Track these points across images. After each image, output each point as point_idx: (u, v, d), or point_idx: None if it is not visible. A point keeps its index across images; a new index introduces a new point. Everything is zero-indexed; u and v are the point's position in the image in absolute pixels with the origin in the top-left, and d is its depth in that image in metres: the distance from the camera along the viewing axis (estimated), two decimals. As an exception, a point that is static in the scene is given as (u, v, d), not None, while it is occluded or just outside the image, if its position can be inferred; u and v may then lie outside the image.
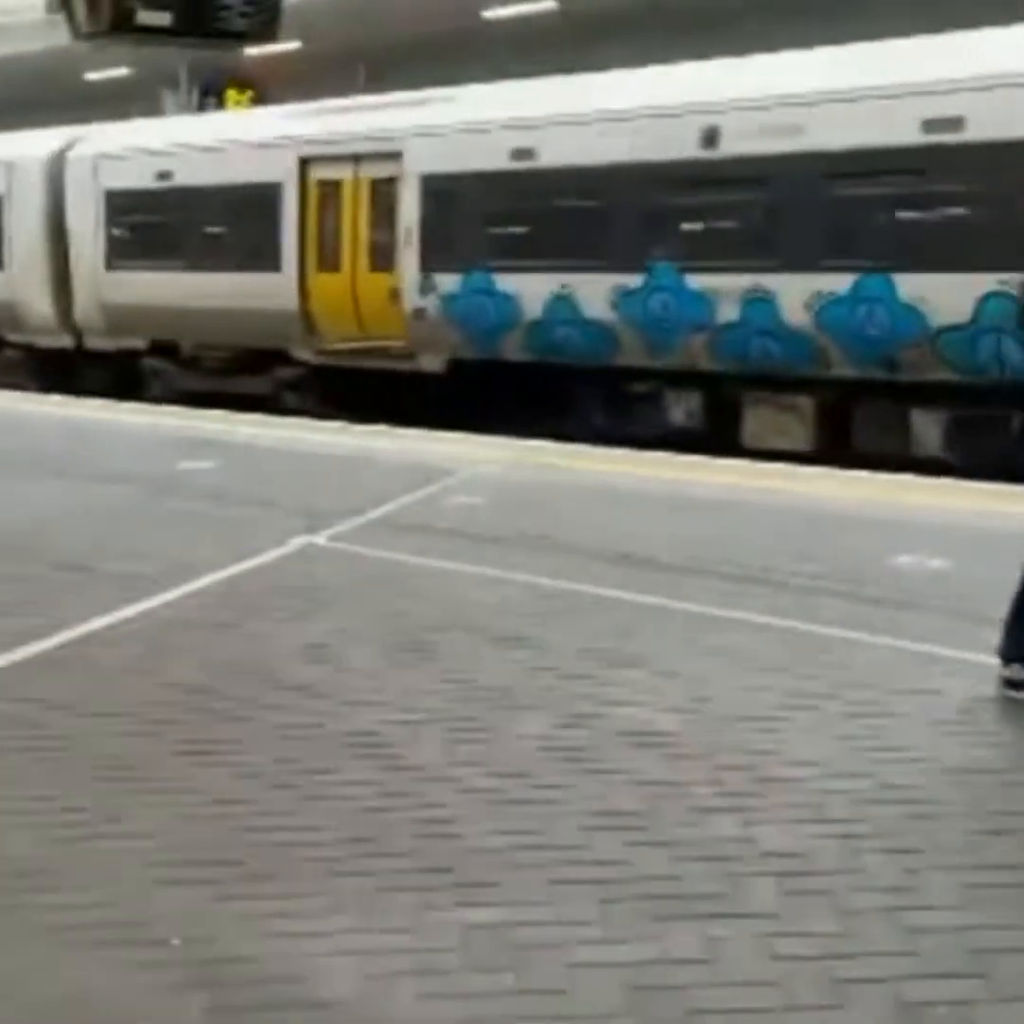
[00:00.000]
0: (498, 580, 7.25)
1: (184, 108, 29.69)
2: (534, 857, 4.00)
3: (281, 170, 17.87)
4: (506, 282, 15.71)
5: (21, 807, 4.44)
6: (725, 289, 14.08)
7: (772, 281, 13.76)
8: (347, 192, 17.38)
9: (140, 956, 3.47)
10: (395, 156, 16.70)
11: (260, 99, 28.65)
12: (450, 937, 3.55)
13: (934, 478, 9.99)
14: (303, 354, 18.14)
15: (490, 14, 23.65)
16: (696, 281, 14.27)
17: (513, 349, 15.88)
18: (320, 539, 8.34)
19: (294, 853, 4.06)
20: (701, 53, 15.70)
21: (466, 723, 5.16)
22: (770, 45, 14.93)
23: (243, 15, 10.04)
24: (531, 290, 15.48)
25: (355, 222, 17.34)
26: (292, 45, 22.52)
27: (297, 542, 8.26)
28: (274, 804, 4.44)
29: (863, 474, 10.07)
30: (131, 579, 7.34)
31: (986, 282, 12.43)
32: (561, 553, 7.83)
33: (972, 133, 12.49)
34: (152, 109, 28.24)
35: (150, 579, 7.32)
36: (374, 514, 9.03)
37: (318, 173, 17.69)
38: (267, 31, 10.44)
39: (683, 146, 14.18)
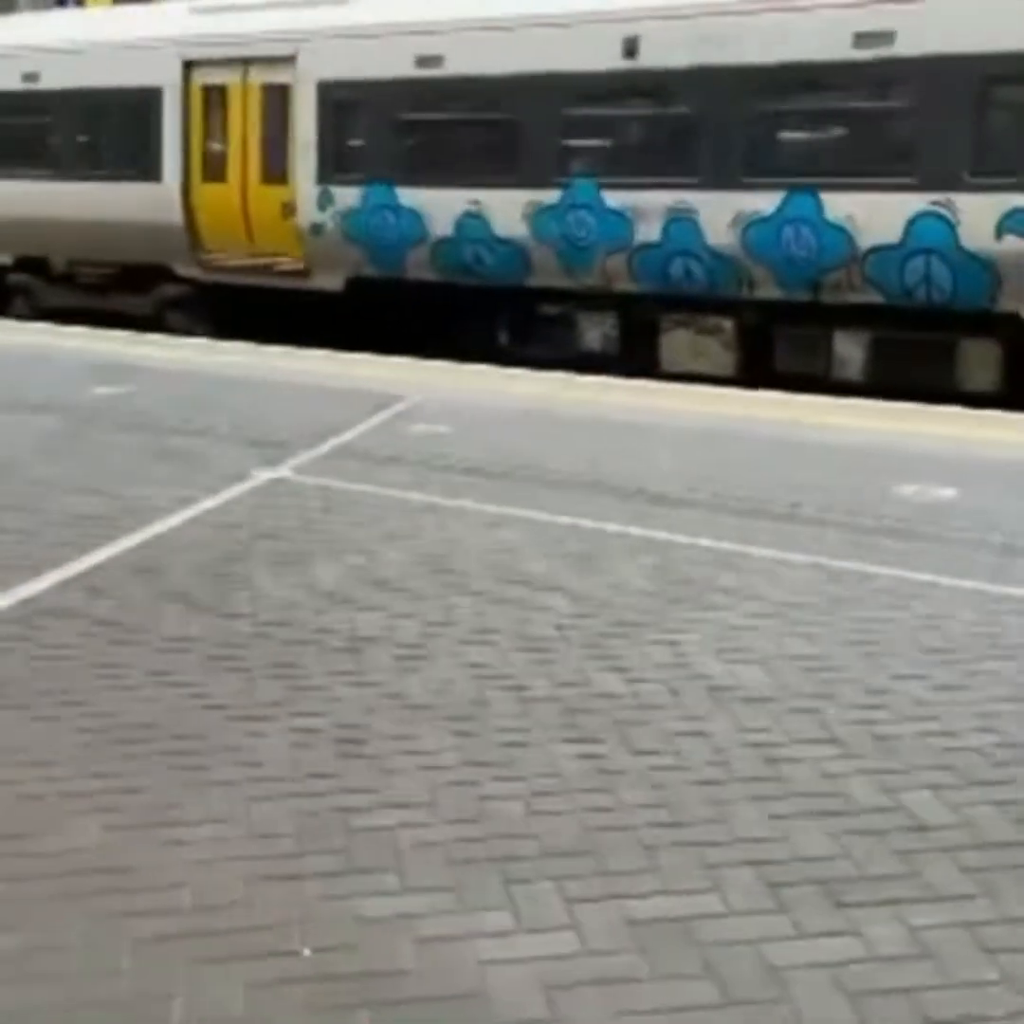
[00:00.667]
0: (502, 518, 6.79)
1: (40, 3, 27.89)
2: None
3: (162, 73, 16.79)
4: (411, 197, 15.03)
5: (82, 788, 3.89)
6: (646, 207, 13.63)
7: (695, 199, 13.35)
8: (235, 98, 16.42)
9: (275, 971, 2.99)
10: (288, 60, 15.80)
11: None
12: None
13: (934, 406, 9.75)
14: (188, 271, 17.20)
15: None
16: (615, 198, 13.80)
17: (418, 267, 15.24)
18: (285, 472, 7.77)
19: (399, 839, 3.60)
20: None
21: (537, 682, 4.71)
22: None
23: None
24: (438, 206, 14.83)
25: (244, 130, 16.41)
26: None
27: (261, 476, 7.68)
28: (353, 777, 3.97)
29: (854, 402, 9.76)
30: (83, 520, 6.67)
31: (917, 202, 12.23)
32: (556, 488, 7.40)
33: (903, 47, 12.21)
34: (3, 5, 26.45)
35: (110, 521, 6.68)
36: (332, 444, 8.47)
37: (203, 77, 16.66)
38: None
39: (603, 56, 13.62)
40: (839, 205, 12.60)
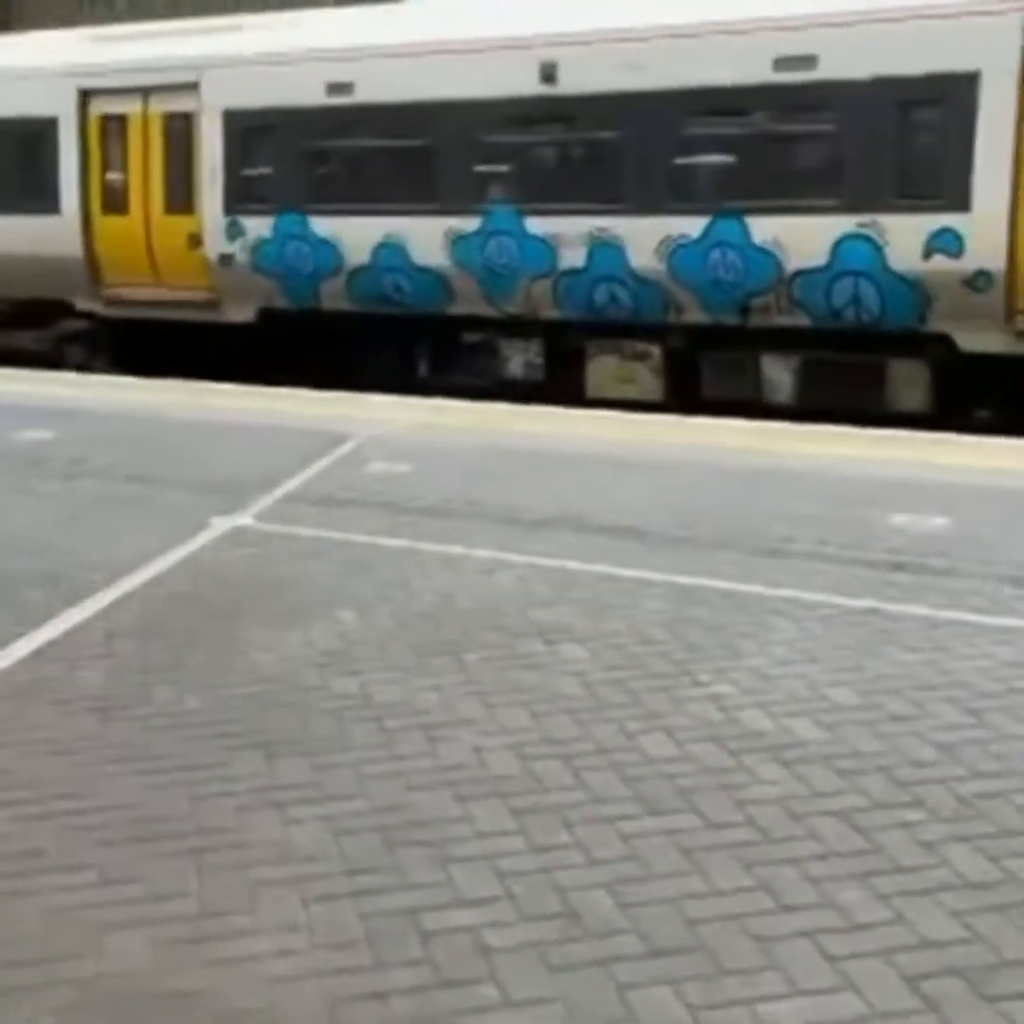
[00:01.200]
0: (490, 563, 6.48)
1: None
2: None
3: (57, 103, 16.21)
4: (325, 226, 14.67)
5: (113, 896, 3.50)
6: (569, 233, 13.44)
7: (619, 224, 13.20)
8: (135, 127, 15.91)
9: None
10: (191, 88, 15.35)
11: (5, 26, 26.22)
12: None
13: (911, 432, 9.61)
14: (88, 305, 16.62)
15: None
16: (537, 225, 13.59)
17: (334, 297, 14.88)
18: (246, 520, 7.37)
19: (484, 942, 3.29)
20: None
21: (584, 747, 4.43)
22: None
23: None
24: (354, 235, 14.49)
25: (146, 160, 15.89)
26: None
27: (220, 525, 7.28)
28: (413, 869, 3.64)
29: (828, 429, 9.59)
30: (47, 581, 6.24)
31: (844, 224, 12.20)
32: (539, 528, 7.10)
33: (825, 71, 12.19)
34: None
35: (72, 580, 6.25)
36: (288, 487, 8.09)
37: (101, 107, 16.12)
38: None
39: (520, 82, 13.42)
40: (765, 228, 12.53)
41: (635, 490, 7.85)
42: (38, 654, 5.40)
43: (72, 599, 6.03)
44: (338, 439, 9.38)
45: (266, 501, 7.76)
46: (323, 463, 8.69)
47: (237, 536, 7.04)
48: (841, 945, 3.29)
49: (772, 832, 3.84)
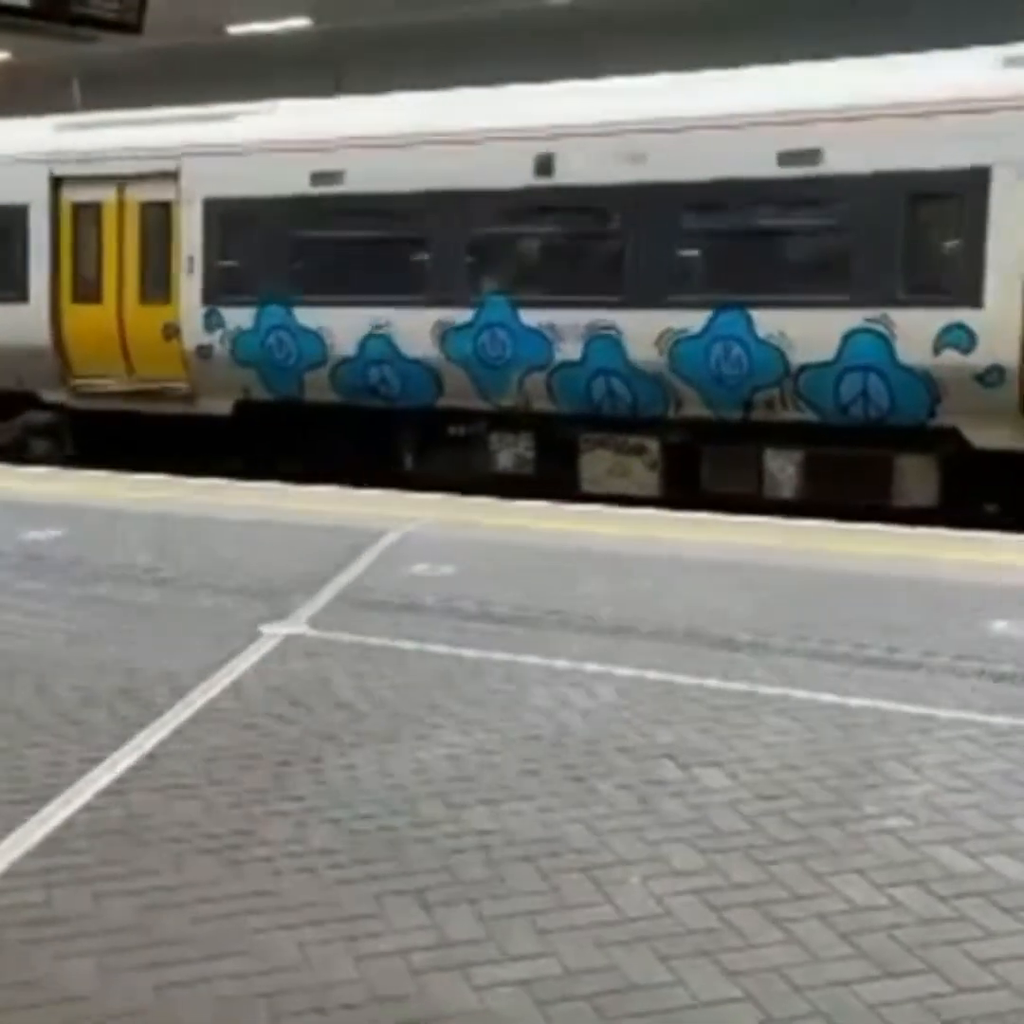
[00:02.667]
0: (579, 675, 6.05)
1: None
2: None
3: (27, 190, 15.77)
4: (310, 317, 14.30)
5: None
6: (565, 326, 13.18)
7: (618, 317, 12.96)
8: (110, 216, 15.49)
9: None
10: (170, 177, 14.98)
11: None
12: None
13: (965, 531, 9.32)
14: (55, 396, 16.07)
15: (237, 30, 21.95)
16: (532, 317, 13.31)
17: (318, 390, 14.48)
18: (300, 627, 6.88)
19: None
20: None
21: (777, 893, 3.98)
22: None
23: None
24: (340, 326, 14.13)
25: (120, 248, 15.46)
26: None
27: (274, 632, 6.77)
28: None
29: (876, 528, 9.27)
30: (106, 699, 5.73)
31: (852, 318, 12.05)
32: (621, 636, 6.71)
33: (830, 165, 12.10)
34: None
35: (131, 698, 5.75)
36: (332, 590, 7.62)
37: (73, 194, 15.70)
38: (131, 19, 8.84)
39: (515, 174, 13.20)
40: (771, 322, 12.34)
41: (717, 594, 7.45)
42: (122, 784, 4.86)
43: (140, 720, 5.50)
44: (370, 538, 8.92)
45: (314, 605, 7.28)
46: (362, 564, 8.22)
47: (297, 645, 6.55)
48: None
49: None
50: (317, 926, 3.83)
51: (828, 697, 5.74)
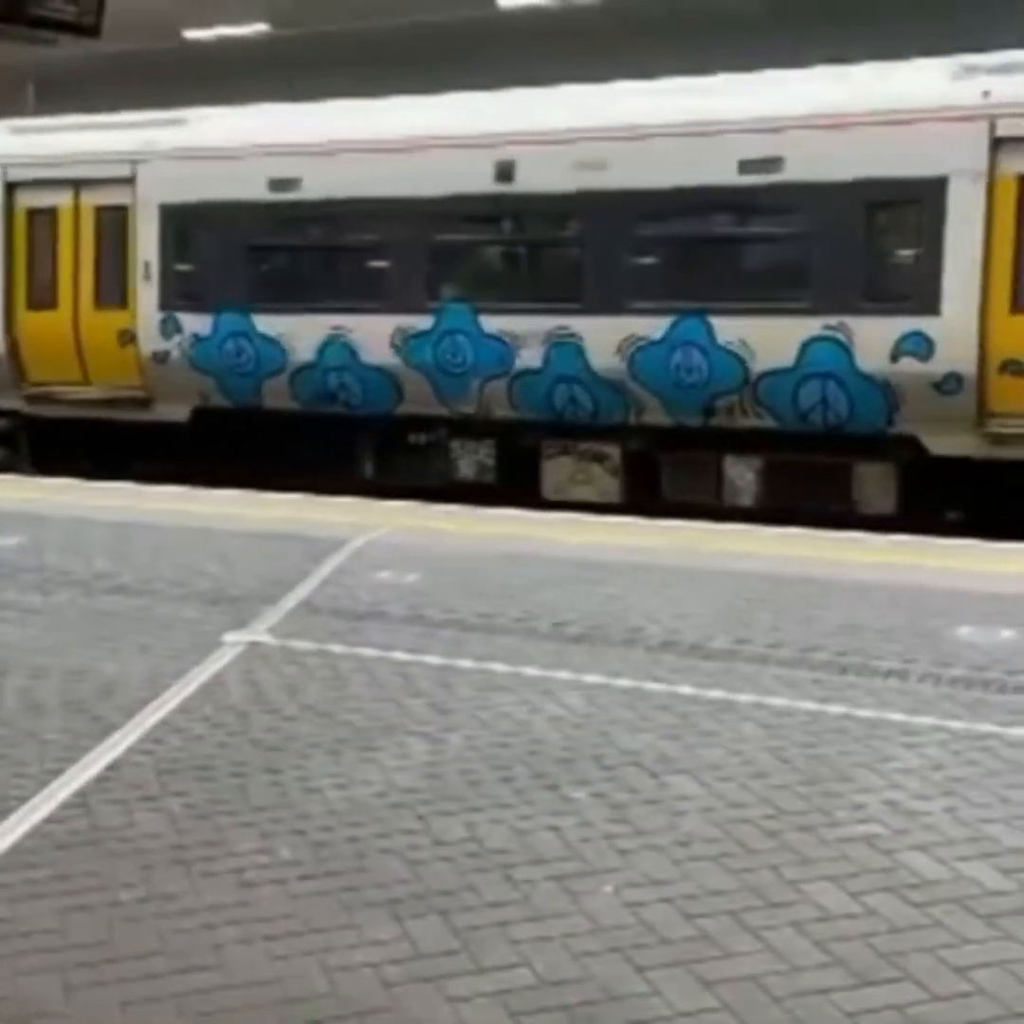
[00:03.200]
0: (549, 683, 6.01)
1: None
2: None
3: (-20, 195, 15.58)
4: (268, 323, 14.19)
5: None
6: (526, 333, 13.15)
7: (579, 324, 12.95)
8: (65, 221, 15.33)
9: None
10: (126, 182, 14.85)
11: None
12: None
13: (930, 538, 9.33)
14: (9, 402, 15.90)
15: (195, 34, 21.80)
16: (493, 323, 13.28)
17: (276, 397, 14.38)
18: (261, 635, 6.81)
19: None
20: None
21: (749, 901, 3.96)
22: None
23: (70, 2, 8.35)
24: (298, 332, 14.04)
25: (76, 254, 15.30)
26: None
27: (236, 640, 6.70)
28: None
29: (846, 534, 9.26)
30: (65, 710, 5.65)
31: (811, 326, 12.09)
32: (588, 643, 6.67)
33: (792, 173, 12.13)
34: None
35: (90, 708, 5.69)
36: (295, 598, 7.55)
37: (28, 200, 15.53)
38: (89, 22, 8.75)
39: (476, 180, 13.17)
40: (730, 329, 12.37)
41: (684, 601, 7.43)
42: (84, 796, 4.78)
43: (103, 730, 5.42)
44: (333, 545, 8.84)
45: (277, 613, 7.21)
46: (325, 571, 8.15)
47: (258, 654, 6.48)
48: None
49: (1011, 1003, 3.40)
50: (287, 939, 3.77)
51: (798, 703, 5.73)
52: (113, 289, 15.18)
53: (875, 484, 12.58)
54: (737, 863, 4.22)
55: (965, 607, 7.21)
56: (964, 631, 6.75)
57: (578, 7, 19.83)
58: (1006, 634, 6.70)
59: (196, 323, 14.58)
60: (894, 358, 11.81)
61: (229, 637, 6.75)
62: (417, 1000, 3.44)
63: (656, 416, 12.99)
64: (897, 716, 5.55)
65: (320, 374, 14.03)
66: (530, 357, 13.14)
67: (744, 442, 12.81)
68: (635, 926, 3.83)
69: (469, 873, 4.17)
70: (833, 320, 12.01)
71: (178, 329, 14.68)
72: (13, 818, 4.52)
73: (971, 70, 11.76)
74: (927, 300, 11.65)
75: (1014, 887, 4.05)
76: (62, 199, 15.38)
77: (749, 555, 8.50)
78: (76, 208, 15.32)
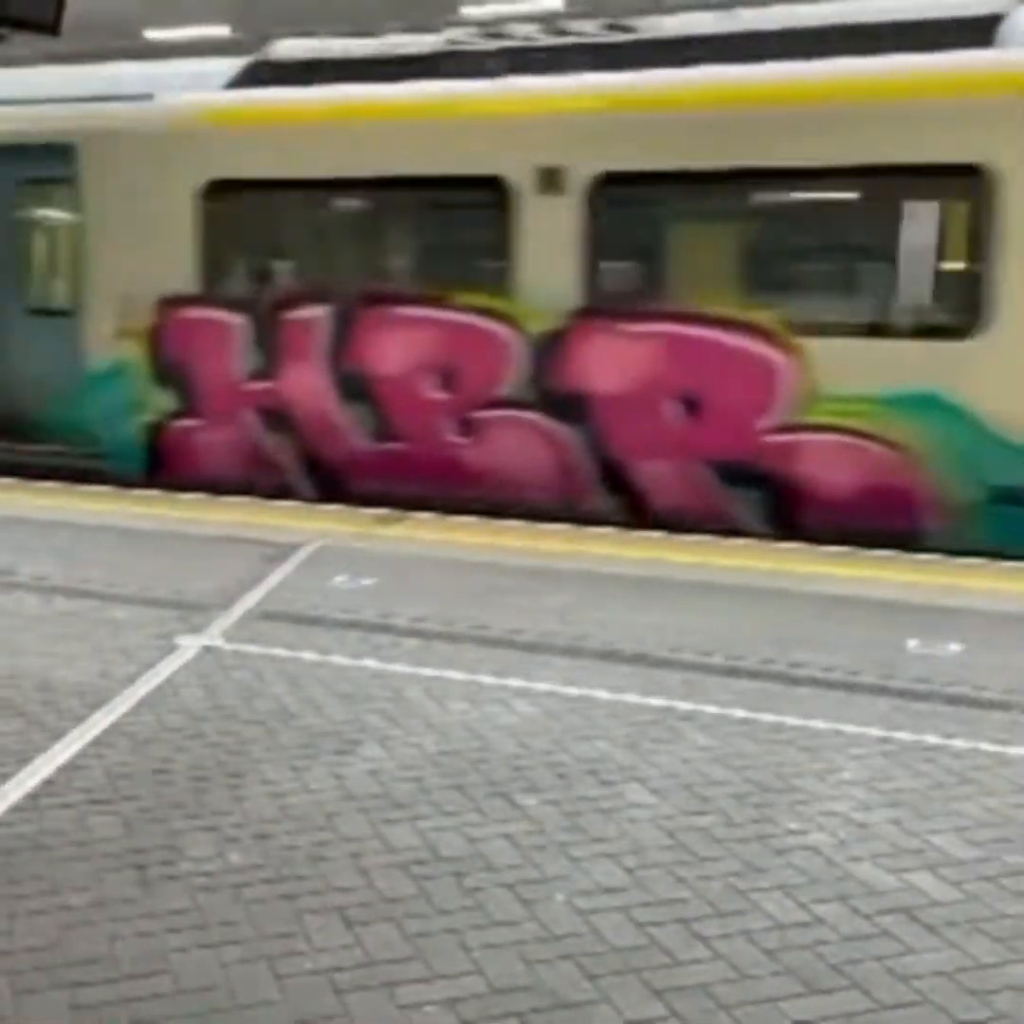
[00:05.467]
0: (503, 690, 6.03)
1: None
2: None
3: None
4: None
5: None
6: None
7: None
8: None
9: None
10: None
11: None
12: None
13: (879, 551, 9.40)
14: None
15: (155, 34, 21.67)
16: None
17: None
18: (215, 640, 6.78)
19: None
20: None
21: (700, 909, 3.99)
22: None
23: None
24: None
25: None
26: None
27: (188, 645, 6.67)
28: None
29: (797, 545, 9.31)
30: (14, 711, 5.63)
31: None
32: (540, 652, 6.67)
33: None
34: None
35: (41, 710, 5.65)
36: (248, 603, 7.51)
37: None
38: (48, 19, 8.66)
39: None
40: None
41: (635, 610, 7.46)
42: (34, 800, 4.75)
43: (54, 734, 5.39)
44: (286, 550, 8.82)
45: (229, 618, 7.18)
46: (278, 576, 8.12)
47: (212, 659, 6.45)
48: None
49: (955, 1012, 3.45)
50: (237, 945, 3.77)
51: (748, 713, 5.77)
52: None
53: None
54: (688, 872, 4.25)
55: (914, 620, 7.28)
56: (912, 644, 6.82)
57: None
58: (953, 647, 6.76)
59: None
60: None
61: (182, 641, 6.72)
62: (368, 1007, 3.45)
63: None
64: (846, 727, 5.60)
65: None
66: None
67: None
68: (586, 934, 3.85)
69: (421, 880, 4.18)
70: None
71: None
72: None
73: None
74: None
75: (960, 897, 4.10)
76: None
77: (704, 566, 8.54)
78: None
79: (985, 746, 5.44)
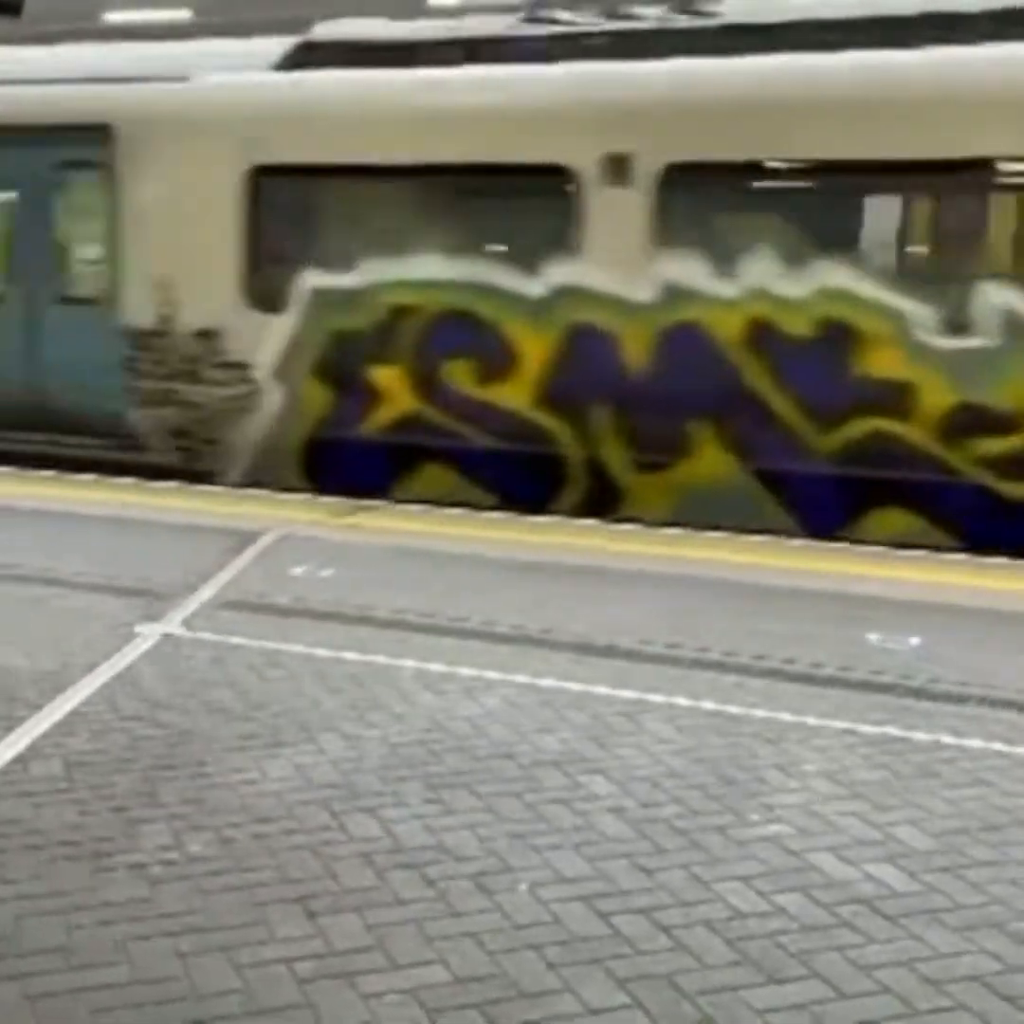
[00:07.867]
0: (470, 681, 6.01)
1: None
2: None
3: None
4: None
5: None
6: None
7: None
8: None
9: None
10: None
11: None
12: None
13: (845, 544, 9.42)
14: None
15: (115, 17, 21.45)
16: None
17: None
18: (175, 628, 6.73)
19: None
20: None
21: (662, 899, 3.99)
22: None
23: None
24: None
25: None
26: None
27: (148, 633, 6.62)
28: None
29: (766, 539, 9.33)
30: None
31: None
32: (503, 643, 6.65)
33: None
34: None
35: None
36: (210, 590, 7.47)
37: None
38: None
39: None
40: None
41: (607, 602, 7.46)
42: (-13, 788, 4.70)
43: (10, 722, 5.34)
44: (246, 539, 8.78)
45: (190, 606, 7.14)
46: (239, 565, 8.08)
47: (172, 647, 6.41)
48: None
49: (914, 1001, 3.46)
50: (197, 934, 3.74)
51: (711, 705, 5.79)
52: None
53: None
54: (650, 862, 4.25)
55: (877, 613, 7.31)
56: (874, 637, 6.85)
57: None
58: (914, 641, 6.80)
59: None
60: None
61: (142, 629, 6.67)
62: (331, 997, 3.43)
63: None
64: (809, 719, 5.62)
65: None
66: None
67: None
68: (549, 924, 3.84)
69: (384, 870, 4.16)
70: None
71: None
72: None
73: None
74: None
75: (920, 888, 4.12)
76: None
77: (676, 559, 8.55)
78: None
79: (946, 739, 5.46)
